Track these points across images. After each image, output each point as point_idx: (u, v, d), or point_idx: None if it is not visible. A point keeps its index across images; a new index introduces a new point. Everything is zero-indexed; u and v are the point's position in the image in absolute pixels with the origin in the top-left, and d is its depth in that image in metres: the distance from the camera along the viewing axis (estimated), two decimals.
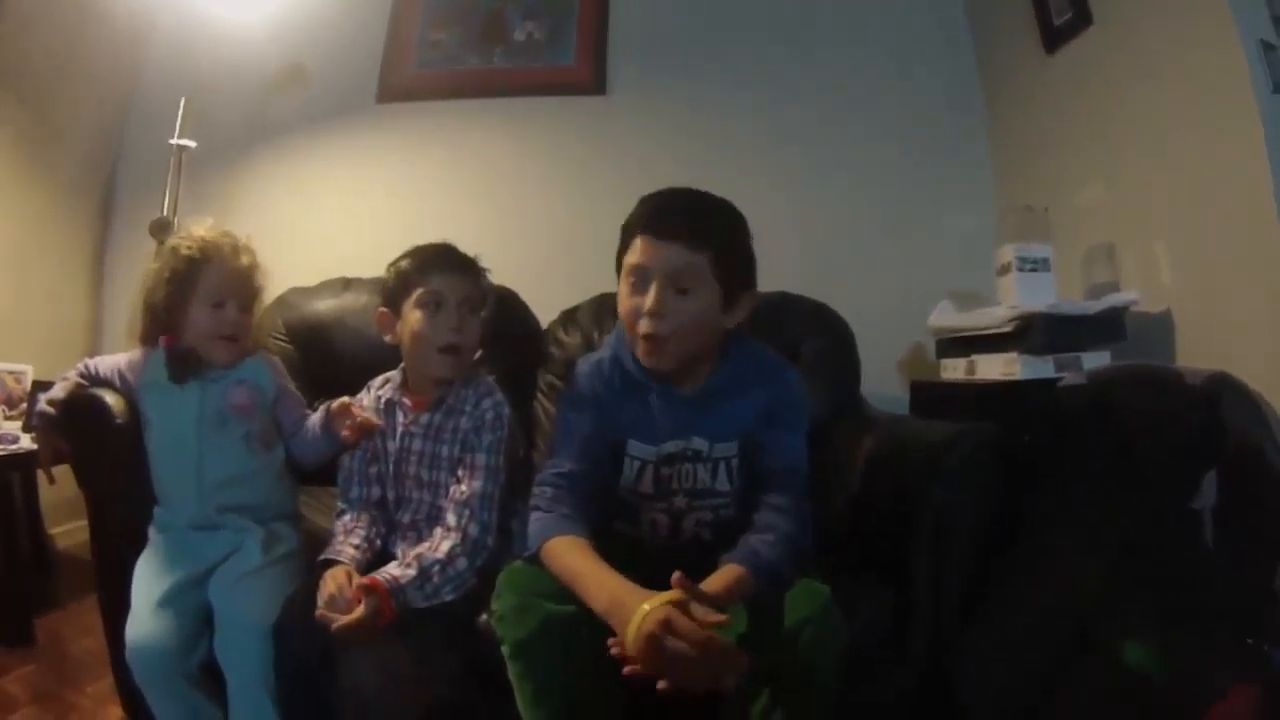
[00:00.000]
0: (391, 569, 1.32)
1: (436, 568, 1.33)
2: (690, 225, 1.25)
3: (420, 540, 1.43)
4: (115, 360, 1.58)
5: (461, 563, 1.35)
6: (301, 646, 1.28)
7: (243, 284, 1.53)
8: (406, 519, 1.50)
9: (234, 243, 1.54)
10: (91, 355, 1.62)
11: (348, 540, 1.44)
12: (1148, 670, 1.14)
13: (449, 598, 1.33)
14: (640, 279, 1.25)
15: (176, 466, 1.50)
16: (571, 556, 1.15)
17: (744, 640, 1.09)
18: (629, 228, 1.29)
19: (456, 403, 1.49)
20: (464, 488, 1.42)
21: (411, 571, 1.31)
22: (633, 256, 1.26)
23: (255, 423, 1.54)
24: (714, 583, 1.10)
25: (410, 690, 1.27)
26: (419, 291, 1.46)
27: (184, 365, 1.51)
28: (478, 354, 1.54)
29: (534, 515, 1.25)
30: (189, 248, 1.50)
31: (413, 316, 1.46)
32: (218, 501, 1.49)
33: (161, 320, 1.51)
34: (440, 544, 1.37)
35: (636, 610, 1.01)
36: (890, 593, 1.37)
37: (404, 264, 1.50)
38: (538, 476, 1.31)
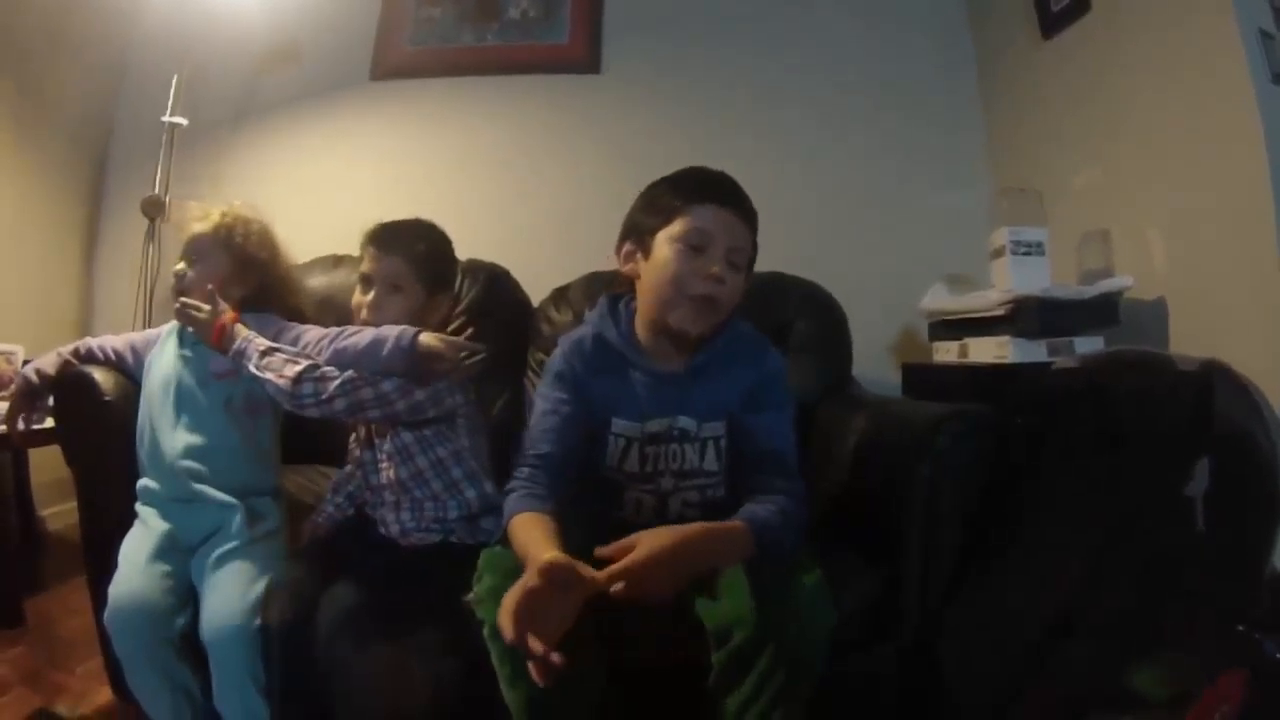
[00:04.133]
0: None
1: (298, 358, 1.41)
2: (751, 208, 1.32)
3: (399, 505, 1.46)
4: (140, 334, 1.70)
5: (306, 384, 1.38)
6: (294, 643, 1.28)
7: (193, 245, 1.59)
8: (383, 479, 1.48)
9: (192, 210, 1.65)
10: (83, 335, 1.65)
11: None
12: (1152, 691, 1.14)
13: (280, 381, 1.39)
14: (703, 244, 1.26)
15: (153, 428, 1.52)
16: (522, 532, 1.15)
17: (734, 620, 1.09)
18: (694, 192, 1.29)
19: None
20: None
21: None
22: (699, 222, 1.27)
23: (237, 388, 1.54)
24: (700, 526, 1.12)
25: (406, 682, 1.27)
26: (360, 269, 1.53)
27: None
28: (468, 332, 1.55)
29: (507, 498, 1.25)
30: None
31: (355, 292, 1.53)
32: (187, 469, 1.48)
33: None
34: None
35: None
36: (879, 574, 1.37)
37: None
38: (517, 459, 1.31)
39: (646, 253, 1.31)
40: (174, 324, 1.60)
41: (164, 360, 1.57)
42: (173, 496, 1.48)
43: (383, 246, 1.50)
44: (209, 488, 1.48)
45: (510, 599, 0.97)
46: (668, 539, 1.07)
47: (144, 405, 1.54)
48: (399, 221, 1.54)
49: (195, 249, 1.59)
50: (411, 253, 1.49)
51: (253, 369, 1.41)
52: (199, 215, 1.62)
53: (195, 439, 1.50)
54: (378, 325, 1.44)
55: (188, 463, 1.48)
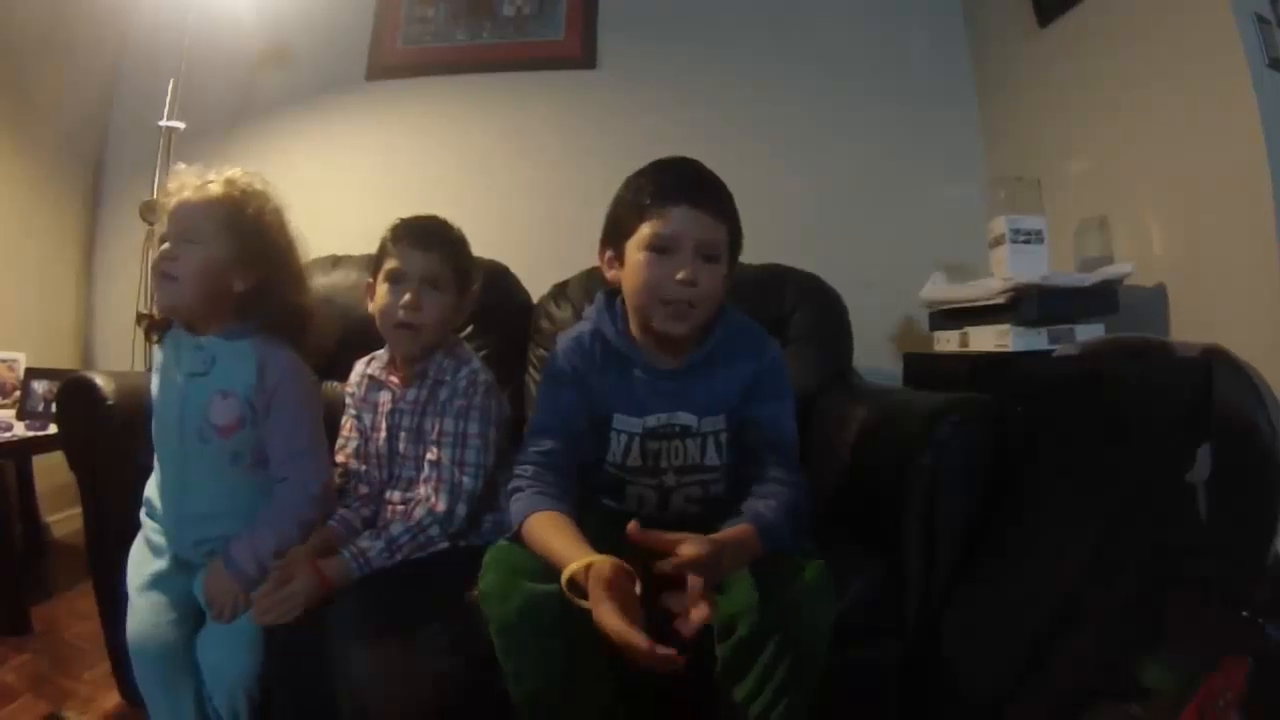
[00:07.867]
0: (361, 541, 1.32)
1: (406, 536, 1.33)
2: (720, 196, 1.28)
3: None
4: None
5: (434, 530, 1.35)
6: (295, 647, 1.27)
7: (181, 217, 1.34)
8: (397, 496, 1.47)
9: (185, 176, 1.39)
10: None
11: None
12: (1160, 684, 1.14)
13: (414, 557, 1.34)
14: (669, 247, 1.24)
15: (163, 473, 1.41)
16: (546, 533, 1.15)
17: (738, 612, 1.10)
18: (654, 196, 1.25)
19: (439, 374, 1.46)
20: (431, 456, 1.42)
21: (380, 543, 1.32)
22: (662, 225, 1.24)
23: (244, 442, 1.37)
24: (725, 537, 1.10)
25: (412, 680, 1.26)
26: (386, 266, 1.44)
27: (151, 322, 1.48)
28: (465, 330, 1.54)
29: (514, 496, 1.25)
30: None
31: (379, 290, 1.45)
32: (196, 536, 1.37)
33: None
34: (413, 511, 1.37)
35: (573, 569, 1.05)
36: (881, 564, 1.36)
37: (384, 235, 1.48)
38: (519, 455, 1.31)
39: (622, 260, 1.31)
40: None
41: (161, 389, 1.40)
42: (174, 549, 1.39)
43: (418, 243, 1.43)
44: (218, 542, 1.35)
45: (610, 620, 0.98)
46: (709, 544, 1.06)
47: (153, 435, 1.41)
48: (424, 218, 1.48)
49: (190, 225, 1.32)
50: (448, 250, 1.46)
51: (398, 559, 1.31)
52: (195, 183, 1.36)
53: (208, 500, 1.36)
54: (418, 326, 1.42)
55: (199, 527, 1.36)
